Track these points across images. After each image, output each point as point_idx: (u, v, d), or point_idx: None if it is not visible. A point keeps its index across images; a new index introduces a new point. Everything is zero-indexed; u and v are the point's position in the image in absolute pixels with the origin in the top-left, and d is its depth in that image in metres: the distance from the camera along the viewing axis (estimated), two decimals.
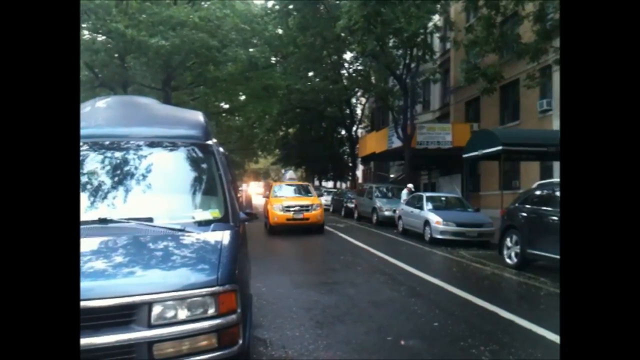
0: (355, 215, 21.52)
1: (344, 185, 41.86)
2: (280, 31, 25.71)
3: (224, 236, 2.98)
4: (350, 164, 37.45)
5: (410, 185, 18.45)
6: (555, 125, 17.70)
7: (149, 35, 16.04)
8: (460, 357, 4.33)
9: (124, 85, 19.68)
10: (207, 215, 3.23)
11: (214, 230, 3.04)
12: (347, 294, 6.74)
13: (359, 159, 35.62)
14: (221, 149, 3.87)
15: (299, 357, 4.30)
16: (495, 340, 4.75)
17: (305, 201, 15.51)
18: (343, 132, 39.84)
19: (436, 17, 23.29)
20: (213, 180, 3.53)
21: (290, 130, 43.55)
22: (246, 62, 20.39)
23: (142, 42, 15.73)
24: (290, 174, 18.12)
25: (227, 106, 29.45)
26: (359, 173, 42.53)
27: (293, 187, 17.49)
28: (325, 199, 29.49)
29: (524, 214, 9.16)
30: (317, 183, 46.13)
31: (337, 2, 25.12)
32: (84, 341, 2.27)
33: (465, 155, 17.01)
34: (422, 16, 17.66)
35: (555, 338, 4.80)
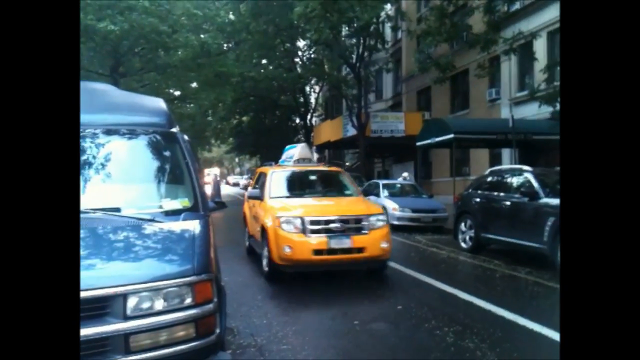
0: None
1: None
2: (232, 17, 25.21)
3: (195, 225, 2.93)
4: None
5: (405, 174, 17.79)
6: (504, 113, 18.37)
7: (97, 19, 15.34)
8: (426, 338, 4.47)
9: None
10: (177, 204, 3.15)
11: (184, 219, 2.98)
12: (309, 282, 6.78)
13: (314, 148, 35.68)
14: (185, 137, 3.78)
15: (268, 344, 4.30)
16: (458, 321, 4.93)
17: (350, 209, 7.00)
18: (297, 120, 39.73)
19: (388, 7, 23.54)
20: (180, 168, 3.45)
21: (244, 118, 42.99)
22: (198, 48, 19.88)
23: (89, 26, 15.03)
24: (301, 149, 8.99)
25: (178, 93, 28.68)
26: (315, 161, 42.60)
27: (312, 177, 8.72)
28: None
29: (477, 200, 9.49)
30: None
31: None
32: None
33: (418, 144, 17.42)
34: (375, 5, 17.79)
35: (512, 317, 5.04)
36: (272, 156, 44.24)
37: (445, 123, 15.96)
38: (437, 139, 15.74)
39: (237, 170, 74.82)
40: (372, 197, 14.51)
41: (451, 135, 14.87)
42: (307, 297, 5.98)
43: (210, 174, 35.70)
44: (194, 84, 26.38)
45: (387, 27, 25.92)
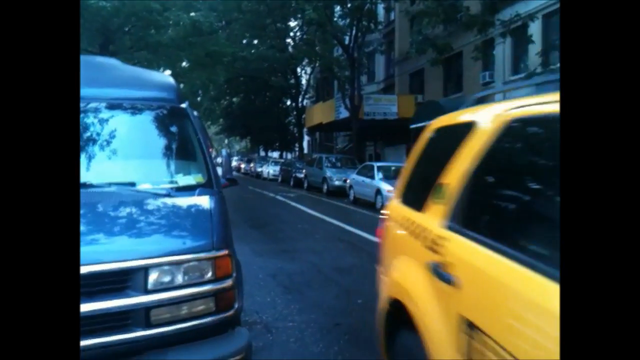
0: (305, 185, 21.62)
1: (289, 156, 41.78)
2: None
3: (211, 201, 2.91)
4: (297, 135, 37.35)
5: None
6: (498, 96, 18.40)
7: None
8: None
9: None
10: (191, 180, 3.12)
11: (199, 195, 2.96)
12: (309, 261, 6.82)
13: (305, 130, 35.60)
14: (195, 113, 3.73)
15: (273, 322, 4.33)
16: None
17: None
18: (289, 102, 39.53)
19: None
20: (191, 144, 3.40)
21: (235, 99, 42.66)
22: (189, 26, 19.59)
23: (81, 2, 14.67)
24: None
25: (169, 72, 28.31)
26: (305, 144, 42.55)
27: None
28: (274, 169, 29.45)
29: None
30: (263, 153, 45.77)
31: None
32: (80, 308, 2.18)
33: (412, 126, 17.44)
34: None
35: None
36: (263, 138, 43.96)
37: (440, 105, 15.98)
38: (431, 122, 15.74)
39: (222, 152, 74.28)
40: (367, 180, 14.57)
41: None
42: (307, 276, 6.00)
43: (221, 151, 35.53)
44: (185, 64, 26.03)
45: (381, 8, 25.71)
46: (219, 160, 4.35)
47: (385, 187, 13.22)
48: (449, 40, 16.32)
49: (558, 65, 12.45)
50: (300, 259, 6.93)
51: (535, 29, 15.98)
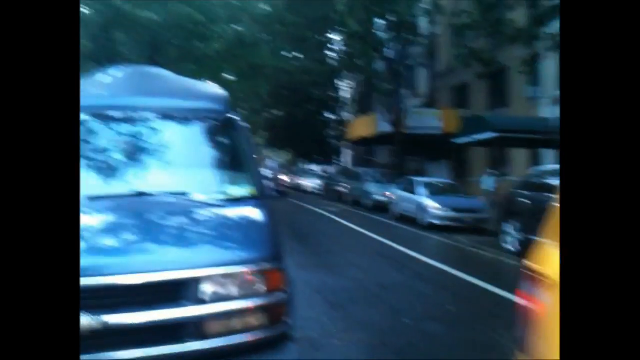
0: (346, 199, 21.47)
1: (330, 169, 41.81)
2: (268, 8, 25.20)
3: (262, 213, 2.85)
4: (338, 148, 37.34)
5: (491, 171, 16.54)
6: (544, 112, 17.81)
7: (139, 8, 15.51)
8: (484, 341, 4.29)
9: (110, 60, 19.06)
10: (241, 191, 3.07)
11: (251, 206, 2.90)
12: (353, 277, 6.67)
13: (347, 143, 35.53)
14: (246, 124, 3.69)
15: (320, 339, 4.20)
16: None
17: None
18: (330, 115, 39.62)
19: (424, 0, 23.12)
20: (242, 155, 3.37)
21: (277, 112, 43.12)
22: (234, 38, 19.96)
23: (132, 15, 15.21)
24: None
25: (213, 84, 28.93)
26: (347, 157, 42.49)
27: None
28: (315, 183, 29.46)
29: (525, 201, 9.18)
30: (304, 166, 45.99)
31: None
32: (132, 318, 2.17)
33: (457, 141, 17.06)
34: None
35: None
36: (305, 151, 44.19)
37: (485, 120, 15.58)
38: (477, 137, 15.37)
39: (268, 164, 75.20)
40: (411, 195, 14.28)
41: (493, 134, 14.48)
42: (352, 292, 5.85)
43: (269, 164, 35.93)
44: (229, 76, 26.51)
45: (423, 21, 25.47)
46: (267, 172, 4.29)
47: (430, 203, 12.92)
48: (494, 53, 15.93)
49: None
50: (344, 274, 6.78)
51: None
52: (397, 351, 4.04)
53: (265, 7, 25.12)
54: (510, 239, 9.38)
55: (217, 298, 2.36)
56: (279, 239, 2.81)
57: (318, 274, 6.76)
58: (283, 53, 28.15)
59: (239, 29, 20.84)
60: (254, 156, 3.43)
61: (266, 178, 3.81)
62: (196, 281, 2.31)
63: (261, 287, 2.45)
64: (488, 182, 15.62)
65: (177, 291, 2.29)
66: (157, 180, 2.97)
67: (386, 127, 23.49)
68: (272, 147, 47.06)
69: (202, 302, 2.32)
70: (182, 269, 2.31)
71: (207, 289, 2.34)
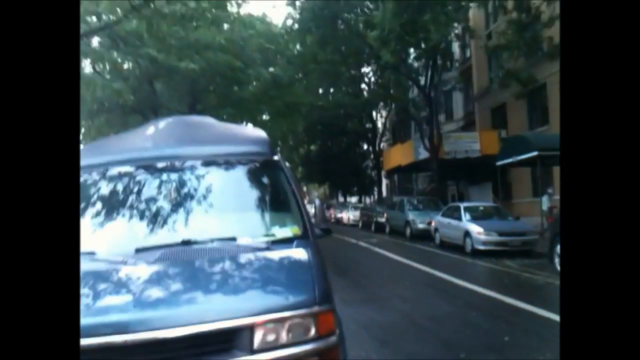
0: (387, 229, 21.22)
1: (368, 200, 41.58)
2: (299, 48, 25.86)
3: (309, 253, 2.83)
4: (375, 178, 37.23)
5: (549, 191, 16.19)
6: None
7: (178, 59, 16.24)
8: None
9: (153, 110, 19.91)
10: (287, 232, 3.08)
11: (297, 247, 2.89)
12: (401, 310, 6.53)
13: (384, 173, 35.38)
14: (287, 164, 3.76)
15: None
16: None
17: None
18: (365, 146, 39.70)
19: (455, 25, 23.18)
20: (286, 196, 3.40)
21: (313, 146, 43.58)
22: (269, 81, 20.54)
23: (172, 66, 15.93)
24: None
25: (250, 125, 29.68)
26: (384, 187, 42.25)
27: None
28: (354, 214, 29.29)
29: None
30: (341, 199, 45.94)
31: (359, 16, 25.15)
32: None
33: (498, 163, 16.72)
34: (448, 24, 17.50)
35: None
36: (341, 183, 44.26)
37: (527, 140, 15.25)
38: (519, 157, 15.03)
39: (306, 199, 75.74)
40: (454, 222, 13.99)
41: (534, 153, 14.13)
42: (401, 326, 5.72)
43: (314, 199, 36.17)
44: (265, 116, 27.16)
45: (455, 45, 25.51)
46: (311, 209, 4.31)
47: (475, 228, 12.60)
48: (532, 71, 15.68)
49: None
50: (391, 308, 6.65)
51: None
52: None
53: (298, 47, 25.81)
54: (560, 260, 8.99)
55: (269, 346, 2.31)
56: (327, 279, 2.79)
57: (364, 308, 6.65)
58: (317, 90, 28.68)
59: (274, 70, 21.47)
60: (299, 195, 3.46)
61: (312, 215, 3.81)
62: (247, 329, 2.28)
63: (313, 331, 2.40)
64: (545, 203, 15.18)
65: (228, 341, 2.27)
66: (203, 227, 3.02)
67: (424, 154, 23.34)
68: (310, 181, 47.35)
69: (254, 351, 2.28)
70: (231, 317, 2.28)
71: (258, 337, 2.31)
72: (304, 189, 74.30)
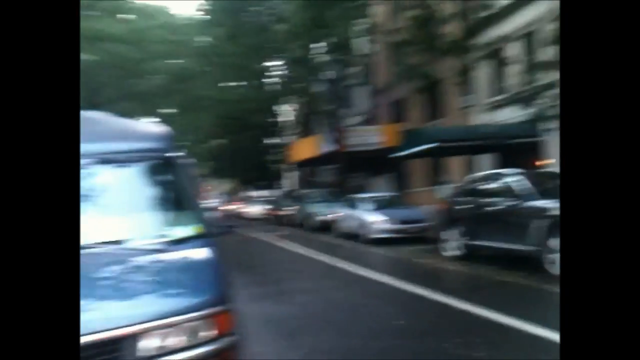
0: (292, 223, 21.41)
1: (276, 193, 41.60)
2: (206, 40, 25.19)
3: (207, 253, 2.77)
4: (282, 171, 37.34)
5: (449, 180, 17.47)
6: (478, 120, 18.62)
7: None
8: (435, 352, 4.35)
9: None
10: (186, 231, 2.96)
11: (195, 247, 2.81)
12: (302, 302, 6.64)
13: (290, 166, 35.60)
14: (189, 160, 3.62)
15: None
16: (461, 331, 4.85)
17: None
18: (272, 139, 39.63)
19: (361, 21, 23.83)
20: (185, 194, 3.27)
21: (219, 141, 42.66)
22: (174, 73, 19.81)
23: None
24: None
25: (154, 120, 28.40)
26: (291, 180, 42.50)
27: None
28: (260, 208, 29.19)
29: (462, 207, 9.51)
30: (249, 193, 45.56)
31: (266, 10, 25.00)
32: None
33: (398, 154, 17.48)
34: (353, 19, 17.92)
35: (511, 322, 4.97)
36: (249, 177, 43.66)
37: (424, 132, 16.10)
38: (417, 149, 15.82)
39: (213, 193, 74.27)
40: (354, 212, 14.46)
41: (432, 144, 14.96)
42: (303, 318, 5.81)
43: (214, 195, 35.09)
44: (170, 110, 26.16)
45: (359, 41, 26.19)
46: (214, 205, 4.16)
47: (374, 218, 13.12)
48: (429, 67, 16.56)
49: (539, 83, 12.65)
50: (292, 302, 6.73)
51: (514, 50, 16.32)
52: None
53: (203, 40, 25.08)
54: (449, 245, 9.65)
55: (162, 352, 2.25)
56: (227, 278, 2.75)
57: (266, 304, 6.67)
58: (223, 83, 28.10)
59: (178, 63, 20.71)
60: (198, 192, 3.36)
61: (213, 212, 3.71)
62: (133, 338, 2.20)
63: (210, 333, 2.36)
64: (443, 191, 16.23)
65: (114, 350, 2.18)
66: (91, 230, 2.83)
67: (329, 147, 23.80)
68: (218, 176, 46.37)
69: (145, 359, 2.21)
70: (119, 326, 2.18)
71: (150, 343, 2.23)
72: (214, 184, 72.69)
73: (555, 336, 4.41)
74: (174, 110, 25.86)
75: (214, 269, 2.62)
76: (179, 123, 26.78)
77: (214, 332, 2.36)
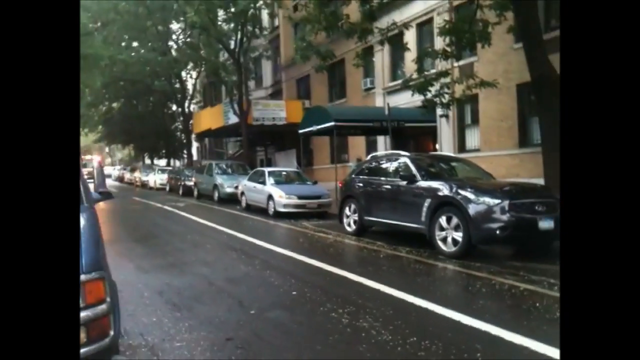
0: (195, 193, 20.91)
1: (178, 163, 40.19)
2: None
3: (80, 218, 2.66)
4: (185, 141, 36.08)
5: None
6: (378, 102, 19.34)
7: None
8: (323, 322, 4.56)
9: None
10: None
11: None
12: (200, 274, 6.57)
13: (194, 136, 34.49)
14: None
15: (160, 343, 4.08)
16: (351, 302, 5.10)
17: None
18: (174, 107, 38.00)
19: None
20: None
21: (115, 104, 40.01)
22: None
23: None
24: None
25: None
26: (194, 150, 41.22)
27: None
28: (161, 178, 28.09)
29: (360, 185, 9.91)
30: (148, 161, 43.52)
31: None
32: None
33: (300, 131, 17.67)
34: None
35: (400, 295, 5.35)
36: (148, 145, 41.90)
37: (325, 111, 16.38)
38: (318, 127, 16.10)
39: (108, 160, 69.95)
40: (259, 186, 14.48)
41: (332, 123, 15.30)
42: (197, 289, 5.77)
43: (92, 161, 32.84)
44: None
45: (265, 13, 25.78)
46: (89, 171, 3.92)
47: (277, 192, 13.23)
48: (333, 47, 16.77)
49: (431, 71, 13.39)
50: (190, 272, 6.65)
51: (410, 37, 17.05)
52: (242, 344, 4.09)
53: None
54: (349, 220, 10.07)
55: None
56: (100, 245, 2.66)
57: (162, 275, 6.51)
58: (119, 43, 26.21)
59: None
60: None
61: (99, 176, 3.52)
62: None
63: (79, 301, 2.29)
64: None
65: None
66: None
67: (233, 119, 23.40)
68: (113, 142, 43.63)
69: None
70: None
71: None
72: (106, 150, 68.13)
73: (437, 309, 4.83)
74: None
75: (85, 235, 2.53)
76: None
77: (83, 300, 2.31)
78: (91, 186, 3.71)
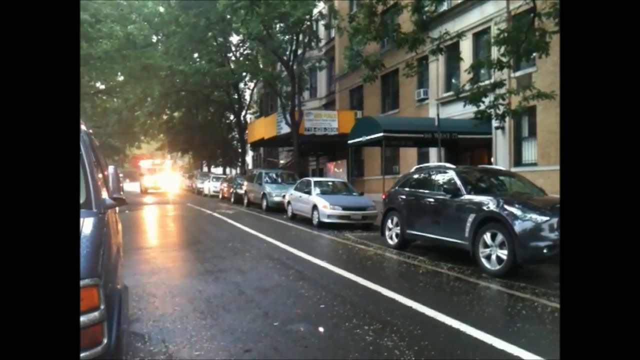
0: (245, 201, 21.24)
1: (233, 172, 41.14)
2: (161, 9, 24.27)
3: (85, 224, 2.66)
4: (240, 150, 36.89)
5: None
6: (431, 113, 18.89)
7: None
8: (344, 338, 4.39)
9: None
10: None
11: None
12: (233, 282, 6.57)
13: (248, 145, 35.21)
14: (83, 127, 3.44)
15: (179, 351, 4.06)
16: (378, 319, 4.90)
17: None
18: (231, 117, 39.01)
19: (321, 5, 23.58)
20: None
21: (175, 114, 41.64)
22: (123, 39, 18.95)
23: None
24: None
25: (102, 87, 27.24)
26: (249, 159, 42.09)
27: None
28: (215, 186, 28.83)
29: (403, 197, 9.63)
30: (205, 169, 44.85)
31: None
32: None
33: (350, 142, 17.55)
34: (307, 1, 17.69)
35: (433, 314, 5.08)
36: (206, 153, 43.20)
37: (375, 121, 16.17)
38: (368, 137, 15.92)
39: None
40: (304, 195, 14.46)
41: (381, 134, 15.07)
42: (227, 298, 5.75)
43: (139, 168, 34.25)
44: (120, 77, 25.15)
45: (321, 25, 25.98)
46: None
47: (322, 202, 13.15)
48: (385, 57, 16.58)
49: (486, 81, 12.90)
50: (224, 280, 6.66)
51: (465, 47, 16.58)
52: (259, 356, 4.00)
53: (157, 7, 24.15)
54: (391, 233, 9.80)
55: None
56: (100, 251, 2.64)
57: (197, 282, 6.57)
58: (179, 54, 27.24)
59: (129, 28, 19.81)
60: (88, 163, 3.19)
61: (114, 182, 3.54)
62: None
63: None
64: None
65: None
66: None
67: (285, 129, 23.65)
68: (173, 150, 45.30)
69: None
70: None
71: None
72: (168, 157, 70.93)
73: (472, 331, 4.54)
74: (124, 78, 24.85)
75: (85, 240, 2.50)
76: (128, 91, 25.91)
77: None
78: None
